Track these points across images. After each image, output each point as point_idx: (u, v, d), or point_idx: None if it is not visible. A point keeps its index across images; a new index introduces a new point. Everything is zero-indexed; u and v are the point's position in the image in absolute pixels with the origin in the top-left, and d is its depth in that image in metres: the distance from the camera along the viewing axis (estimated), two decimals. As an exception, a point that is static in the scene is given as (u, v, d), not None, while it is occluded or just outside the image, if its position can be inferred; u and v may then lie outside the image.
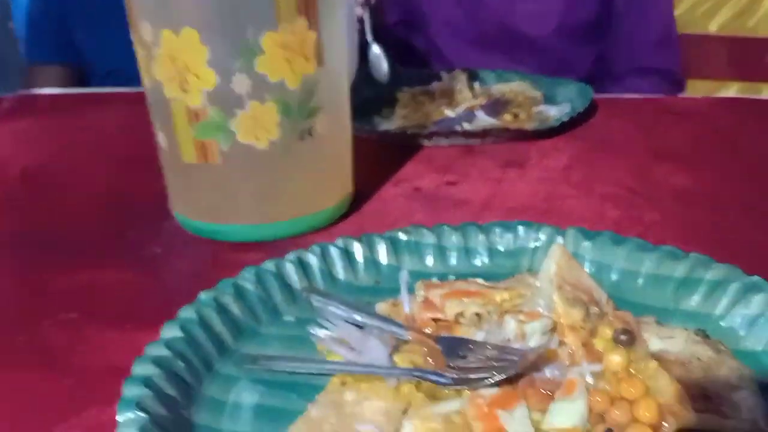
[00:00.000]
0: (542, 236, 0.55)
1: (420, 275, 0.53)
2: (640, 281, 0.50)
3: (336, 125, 0.61)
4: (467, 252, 0.56)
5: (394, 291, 0.50)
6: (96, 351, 0.47)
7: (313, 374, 0.42)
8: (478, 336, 0.43)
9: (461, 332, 0.44)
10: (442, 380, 0.38)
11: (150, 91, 0.56)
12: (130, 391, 0.37)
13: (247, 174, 0.58)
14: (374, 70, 1.04)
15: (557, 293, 0.42)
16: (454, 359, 0.40)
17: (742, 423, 0.34)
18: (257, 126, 0.55)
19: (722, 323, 0.45)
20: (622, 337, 0.39)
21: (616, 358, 0.37)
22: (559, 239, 0.54)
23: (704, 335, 0.41)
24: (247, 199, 0.59)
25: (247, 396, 0.41)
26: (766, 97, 1.15)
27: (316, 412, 0.38)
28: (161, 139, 0.58)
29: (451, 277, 0.53)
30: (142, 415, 0.35)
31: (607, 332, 0.40)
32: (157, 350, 0.41)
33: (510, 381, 0.38)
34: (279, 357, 0.44)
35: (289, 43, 0.53)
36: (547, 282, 0.44)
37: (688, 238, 0.60)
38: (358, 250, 0.55)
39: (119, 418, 0.35)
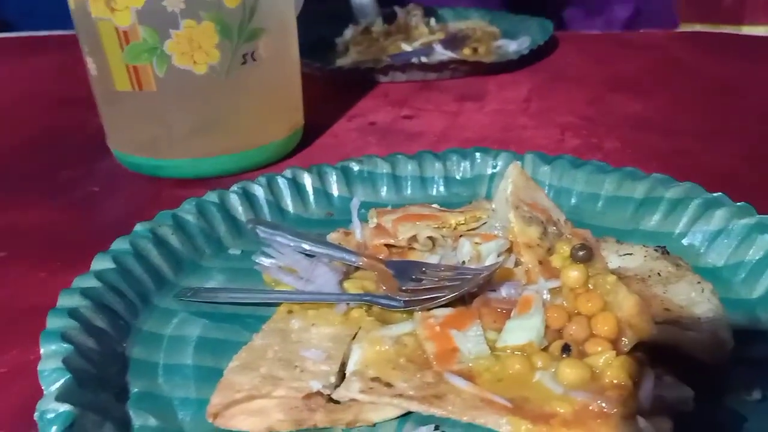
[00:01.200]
0: (500, 162, 0.53)
1: (374, 206, 0.51)
2: (600, 204, 0.48)
3: (281, 50, 0.57)
4: (423, 181, 0.54)
5: (347, 223, 0.47)
6: (23, 291, 0.44)
7: (258, 304, 0.40)
8: (433, 260, 0.41)
9: (415, 257, 0.42)
10: (393, 303, 0.36)
11: (75, 12, 0.52)
12: (54, 322, 0.34)
13: (186, 102, 0.54)
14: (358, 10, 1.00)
15: (513, 212, 0.40)
16: (406, 282, 0.38)
17: (702, 334, 0.33)
18: (194, 48, 0.51)
19: (683, 241, 0.43)
20: (580, 254, 0.37)
21: (573, 273, 0.35)
22: (517, 162, 0.52)
23: (663, 251, 0.40)
24: (188, 131, 0.56)
25: (187, 329, 0.39)
26: (722, 31, 1.13)
27: (261, 340, 0.35)
28: (91, 65, 0.54)
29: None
30: (67, 346, 0.32)
31: (564, 249, 0.38)
32: (87, 282, 0.38)
33: (464, 301, 0.36)
34: (222, 289, 0.41)
35: (225, -45, 0.49)
36: (503, 202, 0.42)
37: (646, 162, 0.59)
38: (308, 180, 0.52)
39: (42, 349, 0.33)
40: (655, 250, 0.40)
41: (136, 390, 0.34)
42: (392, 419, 0.31)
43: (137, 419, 0.32)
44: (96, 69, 0.53)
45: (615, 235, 0.44)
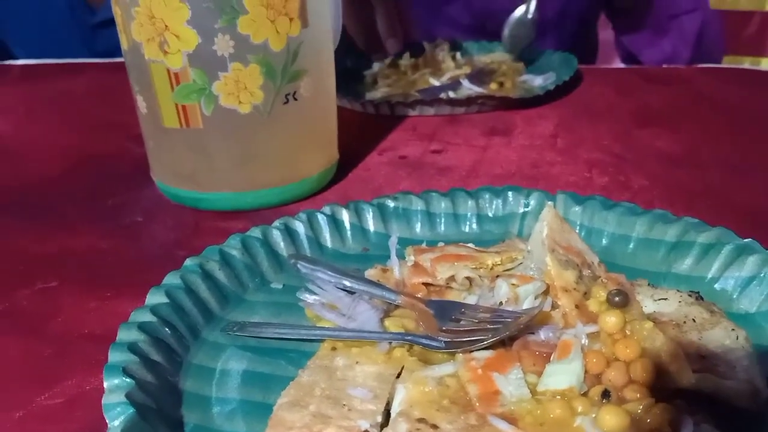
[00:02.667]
0: (532, 201, 0.55)
1: (409, 242, 0.52)
2: (631, 246, 0.50)
3: (320, 89, 0.59)
4: (456, 218, 0.55)
5: (383, 258, 0.49)
6: (76, 319, 0.46)
7: (302, 340, 0.41)
8: (470, 300, 0.42)
9: (453, 297, 0.43)
10: (435, 344, 0.38)
11: (128, 53, 0.54)
12: (117, 356, 0.36)
13: (230, 139, 0.56)
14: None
15: (550, 255, 0.42)
16: (446, 323, 0.39)
17: (739, 383, 0.34)
18: (240, 89, 0.53)
19: (716, 286, 0.44)
20: (617, 299, 0.38)
21: (611, 319, 0.36)
22: (551, 204, 0.54)
23: (698, 297, 0.41)
24: (230, 166, 0.58)
25: (235, 363, 0.40)
26: (746, 66, 1.15)
27: (307, 377, 0.37)
28: (140, 103, 0.56)
29: (441, 244, 0.52)
30: (129, 380, 0.34)
31: (601, 294, 0.39)
32: (143, 316, 0.40)
33: (504, 344, 0.37)
34: (267, 324, 0.43)
35: (273, 3, 0.51)
36: (538, 245, 0.44)
37: (675, 201, 0.60)
38: (345, 217, 0.54)
39: (106, 383, 0.34)
40: (689, 296, 0.41)
41: (191, 424, 0.35)
42: (439, 459, 0.33)
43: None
44: (146, 107, 0.56)
45: (647, 278, 0.46)
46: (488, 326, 0.38)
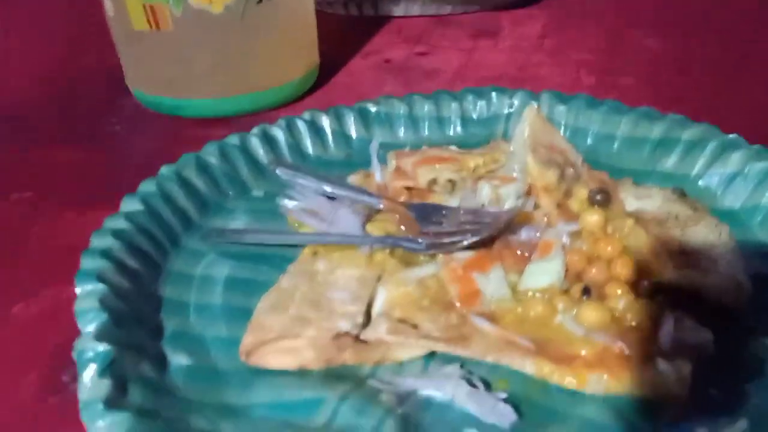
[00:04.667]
0: (516, 101, 0.53)
1: (392, 147, 0.51)
2: (616, 144, 0.49)
3: (297, -12, 0.56)
4: (440, 121, 0.54)
5: (366, 164, 0.48)
6: (53, 230, 0.45)
7: (283, 245, 0.41)
8: (452, 203, 0.42)
9: (435, 200, 0.43)
10: (416, 246, 0.37)
11: (90, -50, 0.51)
12: (89, 262, 0.35)
13: (203, 42, 0.54)
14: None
15: (531, 155, 0.41)
16: (427, 226, 0.39)
17: (720, 278, 0.34)
18: (210, -13, 0.50)
19: (700, 183, 0.44)
20: (598, 197, 0.37)
21: (592, 217, 0.36)
22: (533, 104, 0.52)
23: (681, 194, 0.41)
24: (206, 71, 0.56)
25: (215, 269, 0.40)
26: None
27: (288, 281, 0.37)
28: (108, 6, 0.53)
29: (424, 147, 0.51)
30: (102, 286, 0.34)
31: (582, 192, 0.39)
32: (117, 223, 0.39)
33: (485, 244, 0.37)
34: (248, 230, 0.42)
35: None
36: (520, 145, 0.43)
37: (662, 99, 0.59)
38: (326, 123, 0.52)
39: (77, 289, 0.34)
40: (673, 192, 0.40)
41: (170, 329, 0.35)
42: (419, 357, 0.33)
43: (173, 357, 0.33)
44: (113, 9, 0.53)
45: (632, 176, 0.45)
46: (469, 227, 0.37)
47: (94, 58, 0.72)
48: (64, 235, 0.45)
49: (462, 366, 0.32)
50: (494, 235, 0.37)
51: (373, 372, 0.33)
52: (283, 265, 0.39)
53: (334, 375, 0.32)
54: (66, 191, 0.50)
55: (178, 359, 0.33)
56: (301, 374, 0.32)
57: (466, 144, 0.51)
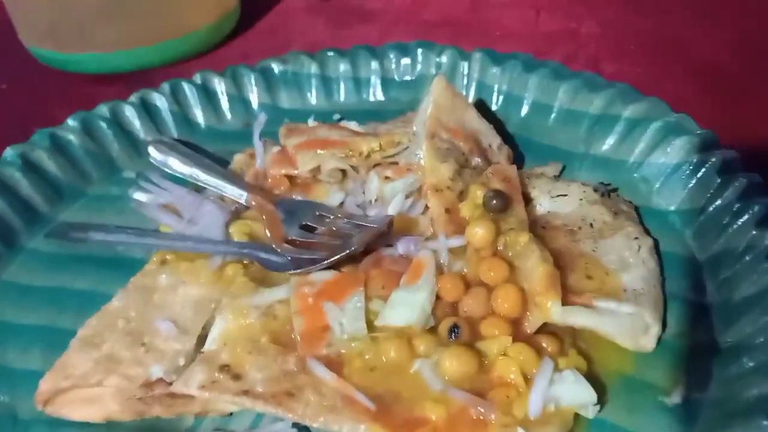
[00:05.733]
0: (444, 59, 0.45)
1: (300, 115, 0.44)
2: (552, 117, 0.41)
3: None
4: (357, 83, 0.46)
5: (271, 134, 0.41)
6: None
7: (128, 248, 0.35)
8: (335, 198, 0.35)
9: (320, 192, 0.36)
10: (273, 260, 0.31)
11: None
12: None
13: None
14: None
15: (426, 143, 0.34)
16: (294, 230, 0.32)
17: (621, 319, 0.27)
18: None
19: (636, 174, 0.36)
20: (494, 202, 0.31)
21: (479, 231, 0.29)
22: (463, 65, 0.44)
23: (605, 191, 0.34)
24: (94, 20, 0.48)
25: (52, 277, 0.34)
26: None
27: (119, 302, 0.31)
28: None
29: (336, 117, 0.44)
30: None
31: (477, 194, 0.32)
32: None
33: (355, 259, 0.30)
34: (95, 226, 0.35)
35: None
36: (421, 126, 0.36)
37: (624, 53, 0.50)
38: (220, 86, 0.45)
39: None
40: (595, 191, 0.33)
41: (-28, 362, 0.30)
42: (249, 410, 0.27)
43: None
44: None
45: (564, 160, 0.38)
46: (337, 236, 0.31)
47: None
48: None
49: (295, 423, 0.26)
50: (359, 251, 0.30)
51: (195, 425, 0.27)
52: (131, 273, 0.33)
53: (146, 428, 0.27)
54: None
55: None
56: (109, 427, 0.27)
57: (385, 111, 0.44)
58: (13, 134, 0.46)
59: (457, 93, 0.37)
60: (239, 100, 0.45)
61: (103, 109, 0.42)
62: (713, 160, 0.33)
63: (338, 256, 0.29)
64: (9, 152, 0.38)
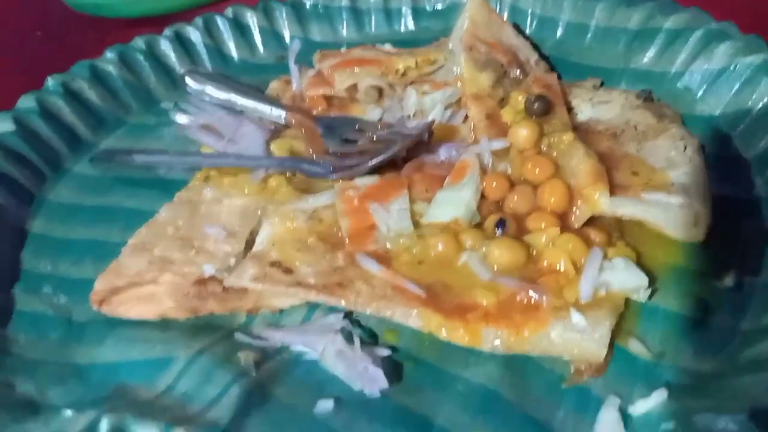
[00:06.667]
0: (476, -13, 0.45)
1: (332, 48, 0.44)
2: (588, 37, 0.40)
3: None
4: (388, 14, 0.46)
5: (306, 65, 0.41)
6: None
7: (171, 170, 0.35)
8: (374, 114, 0.35)
9: (357, 110, 0.36)
10: (316, 169, 0.31)
11: None
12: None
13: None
14: None
15: (465, 54, 0.34)
16: (335, 143, 0.32)
17: (671, 209, 0.27)
18: None
19: (678, 84, 0.36)
20: (536, 105, 0.31)
21: (522, 132, 0.29)
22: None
23: (647, 97, 0.33)
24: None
25: (100, 198, 0.35)
26: None
27: (166, 214, 0.31)
28: None
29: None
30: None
31: (518, 100, 0.31)
32: (-22, 149, 0.34)
33: (394, 166, 0.31)
34: (137, 151, 0.36)
35: None
36: (458, 43, 0.35)
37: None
38: (252, 20, 0.45)
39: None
40: (637, 97, 0.33)
41: (30, 270, 0.31)
42: (300, 306, 0.28)
43: (22, 305, 0.29)
44: None
45: (602, 75, 0.38)
46: (378, 143, 0.31)
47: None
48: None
49: (347, 316, 0.27)
50: (402, 155, 0.30)
51: (248, 322, 0.28)
52: (175, 191, 0.33)
53: (201, 326, 0.27)
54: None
55: (28, 307, 0.29)
56: (164, 326, 0.28)
57: (417, 40, 0.44)
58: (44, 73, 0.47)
59: (493, 10, 0.37)
60: (271, 33, 0.45)
61: (139, 42, 0.42)
62: (758, 61, 0.32)
63: (380, 158, 0.29)
64: (51, 81, 0.38)
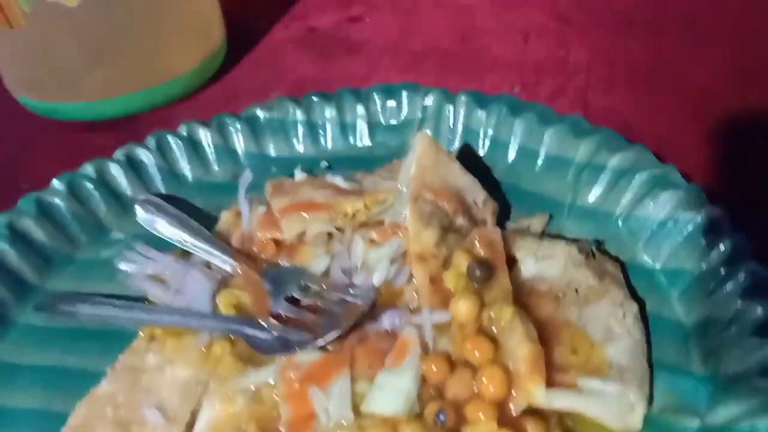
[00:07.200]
0: (430, 102, 0.45)
1: (288, 163, 0.44)
2: (539, 163, 0.41)
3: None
4: (343, 129, 0.46)
5: (257, 187, 0.41)
6: None
7: (116, 324, 0.35)
8: (321, 263, 0.35)
9: (306, 255, 0.36)
10: (260, 337, 0.31)
11: None
12: None
13: (64, 39, 0.46)
14: None
15: (411, 207, 0.34)
16: (280, 303, 0.32)
17: (607, 400, 0.27)
18: (53, -20, 0.42)
19: (622, 227, 0.36)
20: (477, 273, 0.31)
21: (463, 306, 0.29)
22: (449, 108, 0.44)
23: (592, 251, 0.33)
24: (77, 71, 0.48)
25: (43, 355, 0.34)
26: None
27: (108, 386, 0.31)
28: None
29: (324, 164, 0.44)
30: None
31: (462, 263, 0.31)
32: None
33: (339, 336, 0.31)
34: (84, 298, 0.36)
35: None
36: (405, 184, 0.35)
37: (614, 83, 0.50)
38: (206, 137, 0.45)
39: None
40: (580, 251, 0.33)
41: (-33, 451, 0.30)
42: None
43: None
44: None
45: (551, 208, 0.38)
46: (322, 312, 0.31)
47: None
48: None
49: None
50: (344, 334, 0.30)
51: None
52: (121, 347, 0.33)
53: None
54: None
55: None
56: None
57: (373, 157, 0.44)
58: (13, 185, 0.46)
59: (441, 149, 0.37)
60: (226, 150, 0.45)
61: (89, 169, 0.42)
62: (698, 218, 0.33)
63: (327, 338, 0.29)
64: (-5, 223, 0.38)
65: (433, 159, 0.36)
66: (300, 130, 0.46)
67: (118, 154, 0.43)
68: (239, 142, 0.45)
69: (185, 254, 0.37)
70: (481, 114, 0.43)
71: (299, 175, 0.42)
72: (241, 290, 0.34)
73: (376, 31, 0.61)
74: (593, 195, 0.38)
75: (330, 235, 0.36)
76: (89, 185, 0.41)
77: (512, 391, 0.27)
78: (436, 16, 0.63)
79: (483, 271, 0.30)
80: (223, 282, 0.35)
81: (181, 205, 0.41)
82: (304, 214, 0.36)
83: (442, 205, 0.34)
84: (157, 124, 0.49)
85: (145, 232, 0.39)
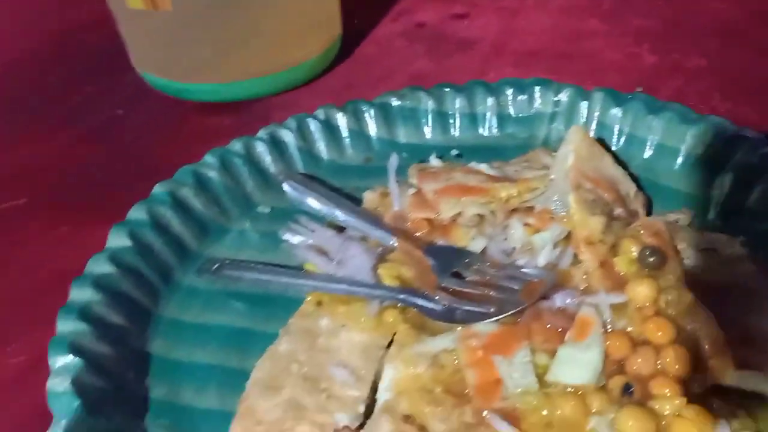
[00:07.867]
0: (562, 98, 0.46)
1: (417, 150, 0.46)
2: (680, 160, 0.42)
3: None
4: (473, 119, 0.47)
5: (385, 171, 0.42)
6: (43, 251, 0.41)
7: (280, 287, 0.36)
8: (478, 243, 0.36)
9: (459, 235, 0.37)
10: (431, 307, 0.32)
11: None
12: (65, 325, 0.31)
13: (205, 22, 0.48)
14: None
15: (574, 195, 0.35)
16: (446, 278, 0.34)
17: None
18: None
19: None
20: (650, 260, 0.32)
21: (640, 290, 0.30)
22: (583, 104, 0.45)
23: (752, 248, 0.34)
24: (210, 53, 0.50)
25: (211, 314, 0.36)
26: None
27: (286, 345, 0.32)
28: (101, -18, 0.48)
29: (454, 152, 0.46)
30: (77, 360, 0.30)
31: (631, 249, 0.33)
32: (101, 266, 0.35)
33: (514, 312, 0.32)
34: (246, 264, 0.37)
35: None
36: (562, 176, 0.37)
37: (732, 92, 0.51)
38: (342, 122, 0.46)
39: (51, 362, 0.30)
40: (742, 245, 0.34)
41: (155, 400, 0.32)
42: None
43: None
44: (107, -14, 0.47)
45: (691, 206, 0.39)
46: (494, 293, 0.32)
47: (90, 24, 0.66)
48: (55, 258, 0.41)
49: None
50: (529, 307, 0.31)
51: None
52: (285, 311, 0.35)
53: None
54: (61, 195, 0.46)
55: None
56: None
57: (501, 146, 0.45)
58: (129, 162, 0.48)
59: (594, 141, 0.38)
60: (359, 134, 0.47)
61: (237, 146, 0.43)
62: None
63: (511, 312, 0.31)
64: (158, 190, 0.40)
65: (588, 150, 0.37)
66: (430, 117, 0.47)
67: (262, 133, 0.44)
68: (372, 127, 0.47)
69: (339, 229, 0.39)
70: (615, 111, 0.44)
71: (435, 161, 0.43)
72: (400, 263, 0.36)
73: (483, 30, 0.63)
74: (743, 195, 0.39)
75: (481, 217, 0.38)
76: (238, 161, 0.43)
77: (696, 372, 0.28)
78: (541, 18, 0.64)
79: (656, 258, 0.31)
80: (382, 254, 0.36)
81: (321, 184, 0.43)
82: (461, 198, 0.37)
83: (601, 194, 0.36)
84: (277, 110, 0.51)
85: (289, 207, 0.41)
